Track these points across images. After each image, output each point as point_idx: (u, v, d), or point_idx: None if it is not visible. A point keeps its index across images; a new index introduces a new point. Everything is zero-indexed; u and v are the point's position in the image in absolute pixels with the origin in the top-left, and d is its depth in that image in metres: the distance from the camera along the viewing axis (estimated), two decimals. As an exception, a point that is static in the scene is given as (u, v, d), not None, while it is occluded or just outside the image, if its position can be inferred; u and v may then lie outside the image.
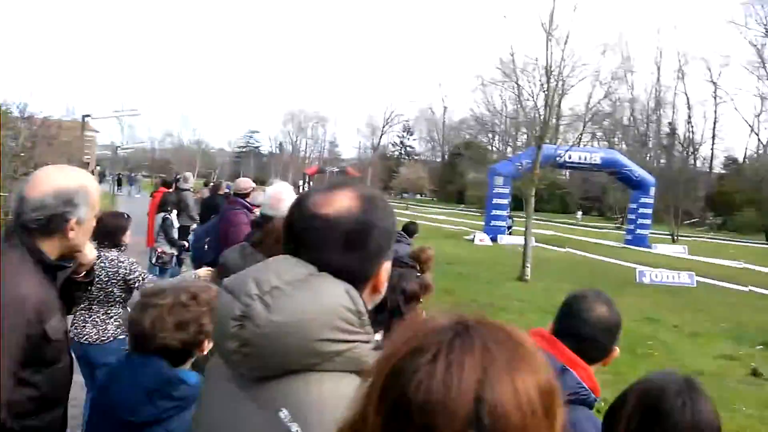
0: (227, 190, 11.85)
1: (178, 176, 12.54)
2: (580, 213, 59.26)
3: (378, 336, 2.61)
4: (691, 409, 1.52)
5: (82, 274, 2.41)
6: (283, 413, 1.07)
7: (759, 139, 71.59)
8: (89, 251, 2.34)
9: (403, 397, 0.74)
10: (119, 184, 48.16)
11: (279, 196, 3.95)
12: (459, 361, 0.74)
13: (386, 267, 1.29)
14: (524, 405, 0.73)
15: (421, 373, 0.74)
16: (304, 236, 1.23)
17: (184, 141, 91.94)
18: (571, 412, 1.83)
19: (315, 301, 1.12)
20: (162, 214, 9.65)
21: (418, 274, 6.40)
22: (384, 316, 2.64)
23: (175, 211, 10.07)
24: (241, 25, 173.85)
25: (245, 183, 7.26)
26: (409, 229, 8.09)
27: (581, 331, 1.97)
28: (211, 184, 17.91)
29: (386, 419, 0.76)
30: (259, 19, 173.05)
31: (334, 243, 1.20)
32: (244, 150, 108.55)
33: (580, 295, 2.08)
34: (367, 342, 1.18)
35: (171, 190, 11.52)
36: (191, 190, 12.40)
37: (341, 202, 1.22)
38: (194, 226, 10.41)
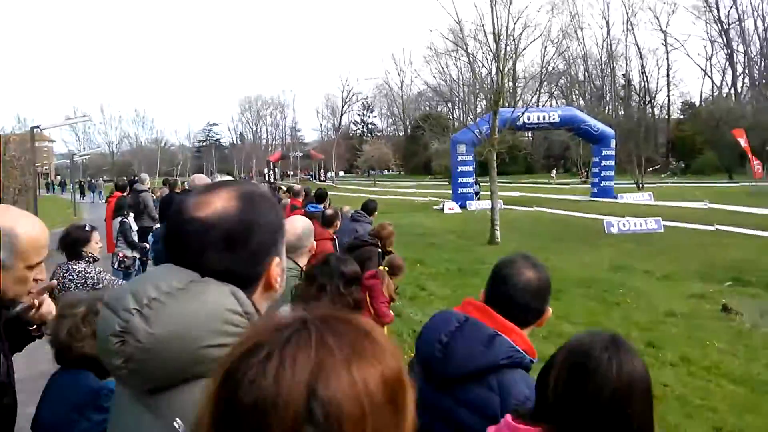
0: (184, 188, 11.68)
1: (135, 178, 12.33)
2: (554, 172, 59.37)
3: None
4: (617, 364, 1.53)
5: (35, 326, 2.25)
6: (178, 423, 1.04)
7: (713, 82, 72.80)
8: (46, 307, 2.19)
9: (234, 399, 0.72)
10: (82, 192, 47.26)
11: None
12: (292, 356, 0.71)
13: (277, 262, 1.26)
14: (362, 397, 0.71)
15: (253, 372, 0.71)
16: (183, 241, 1.19)
17: (142, 141, 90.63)
18: (506, 375, 1.85)
19: (197, 308, 1.09)
20: (119, 218, 9.53)
21: (380, 250, 6.39)
22: (326, 299, 2.60)
23: (132, 214, 9.93)
24: (186, 17, 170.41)
25: (201, 179, 7.15)
26: (369, 207, 8.01)
27: (511, 296, 1.99)
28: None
29: (218, 422, 0.73)
30: (204, 8, 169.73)
31: (214, 245, 1.17)
32: (204, 144, 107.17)
33: (508, 260, 2.10)
34: None
35: (126, 193, 11.31)
36: (149, 190, 12.20)
37: (218, 203, 1.19)
38: (157, 226, 10.27)
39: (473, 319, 1.98)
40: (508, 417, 1.67)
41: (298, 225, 3.57)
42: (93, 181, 55.90)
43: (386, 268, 5.85)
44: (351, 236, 7.15)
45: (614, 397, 1.50)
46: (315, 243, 3.60)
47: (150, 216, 10.78)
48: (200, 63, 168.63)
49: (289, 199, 11.11)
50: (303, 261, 3.43)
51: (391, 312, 5.81)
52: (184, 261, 1.17)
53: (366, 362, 0.74)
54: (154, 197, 13.06)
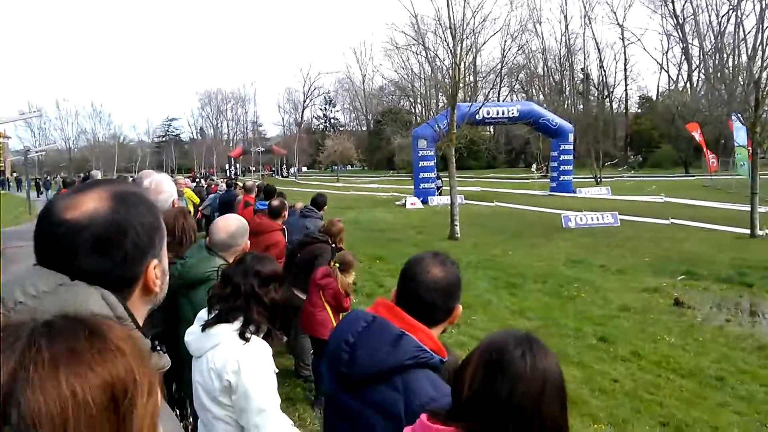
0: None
1: (87, 174, 11.99)
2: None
3: (231, 326, 2.48)
4: (530, 359, 1.53)
5: None
6: None
7: (669, 76, 74.28)
8: None
9: None
10: (38, 190, 46.10)
11: (159, 188, 3.73)
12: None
13: (155, 265, 1.21)
14: (68, 402, 0.69)
15: None
16: (52, 245, 1.13)
17: (100, 137, 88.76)
18: (411, 375, 1.80)
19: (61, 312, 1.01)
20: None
21: (333, 246, 6.29)
22: (241, 301, 2.49)
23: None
24: (143, 9, 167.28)
25: (147, 175, 6.89)
26: (318, 202, 7.87)
27: (419, 294, 1.95)
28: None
29: None
30: (162, 1, 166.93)
31: (84, 248, 1.12)
32: (164, 139, 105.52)
33: (416, 258, 2.06)
34: None
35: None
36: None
37: (88, 204, 1.14)
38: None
39: (381, 318, 1.93)
40: (424, 417, 1.63)
41: (231, 223, 3.45)
42: (48, 178, 54.61)
43: (337, 265, 5.75)
44: (301, 233, 7.04)
45: (527, 394, 1.50)
46: (248, 242, 3.47)
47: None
48: (158, 56, 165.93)
49: (243, 195, 10.91)
50: (235, 260, 3.32)
51: (348, 298, 5.74)
52: (54, 264, 1.12)
53: (81, 367, 0.72)
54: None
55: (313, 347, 5.98)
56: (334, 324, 5.62)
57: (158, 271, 1.21)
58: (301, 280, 6.14)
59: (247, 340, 2.44)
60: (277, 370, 2.56)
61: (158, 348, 1.21)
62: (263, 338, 2.55)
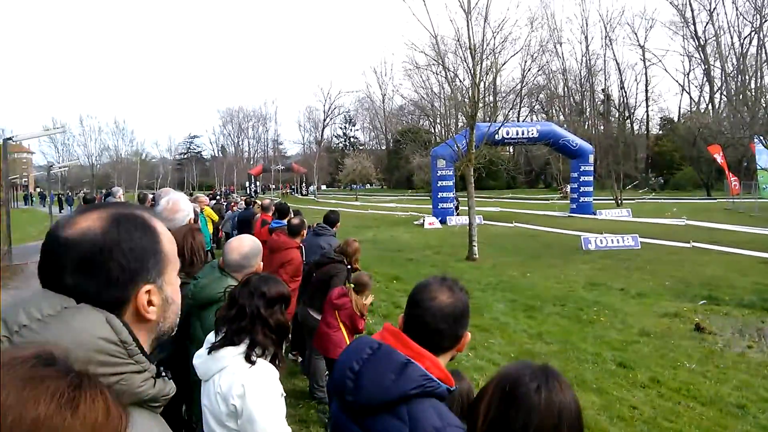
0: (153, 203, 11.46)
1: (109, 191, 12.09)
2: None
3: (237, 348, 2.46)
4: (546, 394, 1.52)
5: None
6: None
7: (690, 97, 73.78)
8: None
9: None
10: (60, 206, 46.76)
11: (175, 207, 3.75)
12: None
13: (147, 290, 1.18)
14: None
15: None
16: (45, 259, 1.14)
17: (122, 153, 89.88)
18: (416, 405, 1.75)
19: (68, 337, 1.02)
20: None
21: (349, 267, 6.27)
22: (246, 322, 2.47)
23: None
24: (167, 27, 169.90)
25: (166, 192, 6.97)
26: (330, 219, 7.84)
27: (426, 320, 1.91)
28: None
29: None
30: (186, 20, 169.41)
31: (69, 266, 1.11)
32: (185, 156, 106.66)
33: (423, 284, 2.01)
34: (140, 372, 1.11)
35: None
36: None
37: (83, 224, 1.14)
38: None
39: (386, 346, 1.89)
40: None
41: (245, 244, 3.45)
42: (71, 194, 55.36)
43: (353, 286, 5.73)
44: (316, 252, 7.02)
45: (542, 427, 1.50)
46: (261, 264, 3.46)
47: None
48: (181, 74, 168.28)
49: (260, 214, 10.95)
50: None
51: (363, 320, 5.72)
52: (47, 280, 1.13)
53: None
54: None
55: (328, 368, 5.94)
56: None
57: (155, 298, 1.18)
58: (316, 301, 6.12)
59: (252, 363, 2.42)
60: (284, 394, 2.53)
61: (163, 374, 1.20)
62: (270, 361, 2.52)
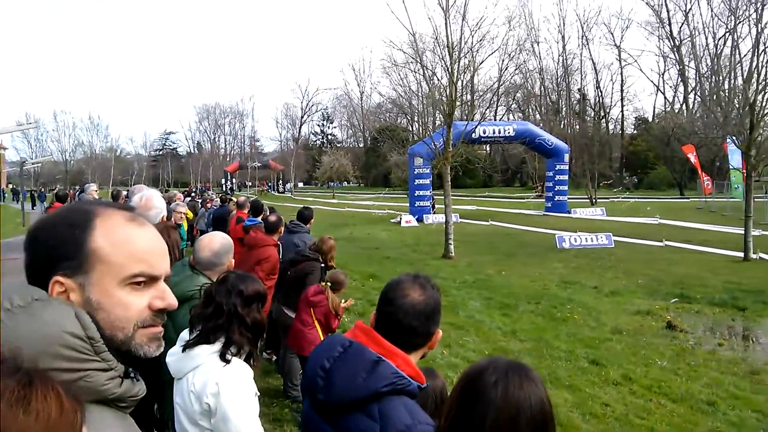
0: (126, 199, 11.30)
1: (82, 188, 11.90)
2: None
3: (212, 347, 2.44)
4: (503, 388, 1.53)
5: None
6: None
7: (665, 97, 74.72)
8: None
9: None
10: (33, 202, 46.02)
11: (148, 204, 3.71)
12: None
13: (57, 280, 1.14)
14: None
15: None
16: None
17: (97, 149, 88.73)
18: (387, 403, 1.75)
19: (34, 328, 1.02)
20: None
21: (323, 265, 6.25)
22: (223, 320, 2.46)
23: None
24: (142, 21, 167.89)
25: (139, 189, 6.88)
26: (304, 215, 7.78)
27: (398, 318, 1.90)
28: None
29: None
30: (161, 14, 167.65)
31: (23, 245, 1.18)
32: (161, 153, 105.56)
33: (395, 281, 2.00)
34: (105, 370, 1.08)
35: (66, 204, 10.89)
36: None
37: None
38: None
39: (357, 343, 1.88)
40: None
41: (215, 241, 3.41)
42: (43, 190, 54.52)
43: (329, 284, 5.71)
44: (291, 249, 6.98)
45: (498, 421, 1.50)
46: (233, 261, 3.43)
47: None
48: (158, 69, 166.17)
49: (235, 211, 10.87)
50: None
51: (337, 319, 5.74)
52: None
53: None
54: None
55: (303, 367, 5.91)
56: (324, 343, 5.58)
57: (73, 296, 1.13)
58: (291, 299, 6.09)
59: (227, 361, 2.40)
60: (258, 393, 2.51)
61: (132, 375, 1.18)
62: (245, 360, 2.50)
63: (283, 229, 7.12)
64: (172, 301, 1.23)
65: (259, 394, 2.52)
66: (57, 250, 1.13)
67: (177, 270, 3.43)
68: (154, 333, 1.21)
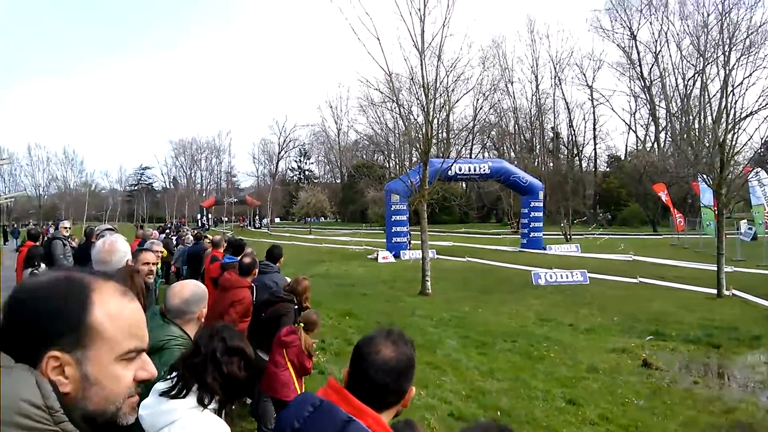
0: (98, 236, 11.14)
1: (57, 224, 11.75)
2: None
3: (189, 401, 2.38)
4: None
5: None
6: None
7: (636, 136, 76.10)
8: None
9: None
10: (5, 238, 45.21)
11: (112, 248, 3.64)
12: None
13: (53, 355, 1.11)
14: None
15: None
16: None
17: (71, 184, 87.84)
18: None
19: None
20: (29, 270, 8.99)
21: (297, 306, 6.19)
22: (199, 359, 2.42)
23: (43, 265, 9.38)
24: (118, 56, 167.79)
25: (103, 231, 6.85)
26: (273, 254, 7.72)
27: (369, 375, 1.87)
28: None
29: None
30: (137, 48, 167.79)
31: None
32: (136, 188, 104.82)
33: (367, 338, 1.97)
34: None
35: (39, 242, 10.72)
36: (65, 237, 11.54)
37: (38, 278, 1.18)
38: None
39: (328, 403, 1.84)
40: None
41: (186, 289, 3.31)
42: (16, 225, 53.69)
43: (302, 324, 5.65)
44: (263, 290, 6.90)
45: None
46: (205, 311, 3.35)
47: (58, 266, 10.21)
48: (134, 103, 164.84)
49: (210, 250, 10.74)
50: (191, 329, 3.18)
51: (310, 360, 5.66)
52: None
53: None
54: (73, 244, 12.40)
55: (276, 410, 5.80)
56: (297, 386, 5.49)
57: (68, 370, 1.11)
58: (264, 341, 6.00)
59: (204, 406, 2.34)
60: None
61: None
62: (217, 411, 2.43)
63: (257, 270, 7.04)
64: (154, 371, 1.25)
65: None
66: (52, 322, 1.11)
67: (147, 319, 3.33)
68: (134, 402, 1.22)
